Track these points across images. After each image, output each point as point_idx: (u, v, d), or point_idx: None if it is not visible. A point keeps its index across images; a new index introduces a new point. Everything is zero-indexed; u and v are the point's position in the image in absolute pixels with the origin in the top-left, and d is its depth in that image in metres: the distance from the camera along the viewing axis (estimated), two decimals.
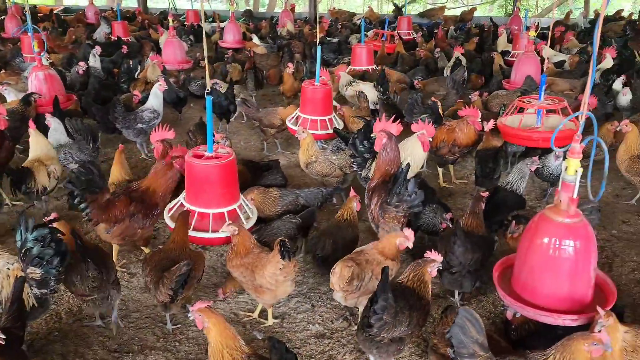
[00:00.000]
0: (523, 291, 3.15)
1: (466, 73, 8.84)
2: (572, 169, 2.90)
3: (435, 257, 3.21)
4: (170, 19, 10.21)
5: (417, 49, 11.05)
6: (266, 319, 3.74)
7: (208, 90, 3.93)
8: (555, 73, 9.16)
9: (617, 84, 7.51)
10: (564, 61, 9.90)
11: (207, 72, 4.02)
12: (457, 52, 9.25)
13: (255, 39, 11.61)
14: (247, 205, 4.32)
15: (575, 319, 2.92)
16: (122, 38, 11.67)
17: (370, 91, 7.42)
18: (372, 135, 4.96)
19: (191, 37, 14.26)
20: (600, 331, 2.62)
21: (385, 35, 11.41)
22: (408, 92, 8.64)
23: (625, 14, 14.85)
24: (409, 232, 3.54)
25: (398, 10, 15.29)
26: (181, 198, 4.21)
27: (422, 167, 6.11)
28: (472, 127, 5.38)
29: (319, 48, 6.63)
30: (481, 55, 10.45)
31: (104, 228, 3.97)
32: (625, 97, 7.25)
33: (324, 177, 5.34)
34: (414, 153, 5.07)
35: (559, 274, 2.98)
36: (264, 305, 3.69)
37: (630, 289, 4.17)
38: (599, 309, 2.69)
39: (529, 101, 5.58)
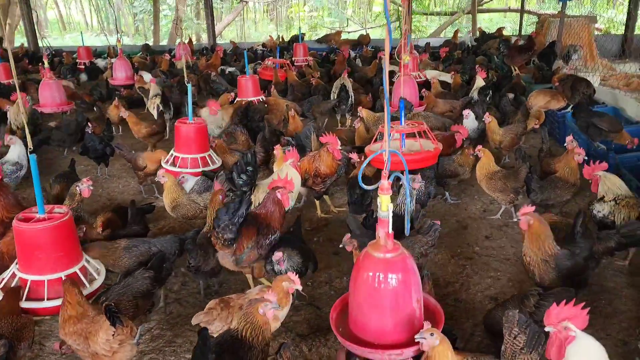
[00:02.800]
0: (355, 328, 3.14)
1: (351, 98, 9.04)
2: (384, 205, 2.94)
3: (269, 297, 3.13)
4: (44, 60, 9.72)
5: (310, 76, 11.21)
6: None
7: (30, 148, 3.68)
8: (439, 93, 9.56)
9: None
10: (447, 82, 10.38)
11: (26, 128, 3.74)
12: (344, 77, 9.45)
13: (146, 75, 11.32)
14: (92, 264, 4.08)
15: (399, 353, 2.94)
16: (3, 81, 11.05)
17: None
18: (248, 168, 4.97)
19: (82, 75, 13.81)
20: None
21: (278, 64, 11.48)
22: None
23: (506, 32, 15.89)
24: (295, 276, 3.50)
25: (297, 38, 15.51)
26: (13, 267, 3.89)
27: (300, 200, 6.12)
28: (332, 156, 5.44)
29: (189, 86, 6.51)
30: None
31: None
32: (467, 121, 7.27)
33: (190, 220, 5.19)
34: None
35: (382, 308, 2.99)
36: None
37: (484, 306, 4.30)
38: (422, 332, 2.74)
39: (392, 126, 5.74)
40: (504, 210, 5.81)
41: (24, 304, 3.60)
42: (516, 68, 10.73)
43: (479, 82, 8.92)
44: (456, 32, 15.78)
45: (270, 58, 12.38)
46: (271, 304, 3.06)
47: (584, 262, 3.85)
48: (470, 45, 14.86)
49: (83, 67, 14.17)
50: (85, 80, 13.63)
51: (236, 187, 4.99)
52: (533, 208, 3.87)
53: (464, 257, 5.08)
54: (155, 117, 8.40)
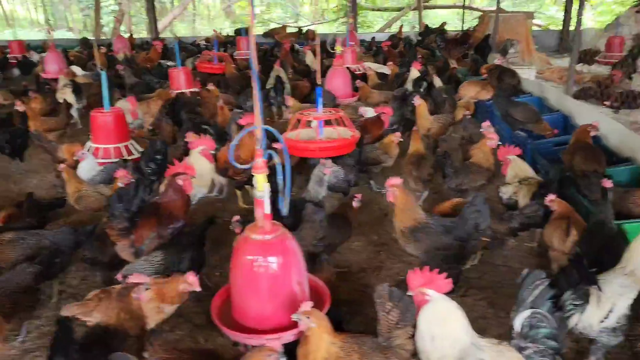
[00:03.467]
0: (237, 315, 3.04)
1: (287, 89, 8.92)
2: (259, 184, 2.84)
3: (138, 278, 2.97)
4: None
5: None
6: None
7: None
8: (376, 85, 9.57)
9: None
10: (384, 74, 10.40)
11: None
12: (276, 68, 9.30)
13: (77, 69, 10.90)
14: None
15: (277, 337, 2.84)
16: None
17: None
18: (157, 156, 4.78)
19: (15, 69, 13.24)
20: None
21: (216, 57, 11.26)
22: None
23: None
24: (193, 278, 3.25)
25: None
26: None
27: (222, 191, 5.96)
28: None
29: (103, 73, 6.25)
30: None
31: None
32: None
33: (98, 212, 4.96)
34: (199, 169, 4.89)
35: (261, 292, 2.89)
36: None
37: None
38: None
39: (309, 114, 5.66)
40: (425, 197, 5.82)
41: None
42: (454, 61, 10.86)
43: (414, 73, 8.95)
44: (400, 27, 15.90)
45: (206, 51, 12.15)
46: (144, 285, 2.91)
47: (453, 241, 3.79)
48: (415, 41, 15.00)
49: (15, 61, 13.54)
50: (17, 75, 13.06)
51: (144, 175, 4.79)
52: (401, 180, 3.85)
53: (380, 243, 5.04)
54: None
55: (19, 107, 7.14)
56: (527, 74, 9.17)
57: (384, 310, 2.74)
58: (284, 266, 2.89)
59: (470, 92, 8.31)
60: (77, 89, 8.49)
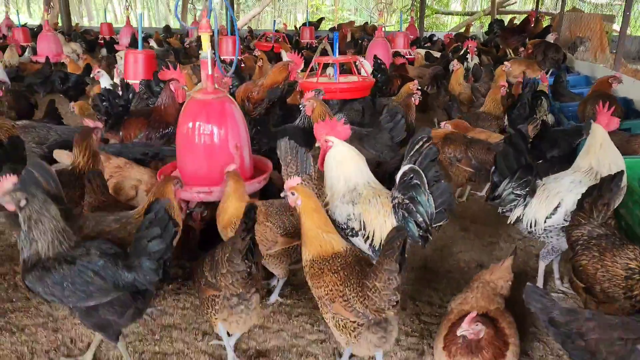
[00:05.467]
0: (182, 176, 3.16)
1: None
2: (204, 45, 2.97)
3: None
4: None
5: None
6: None
7: None
8: (421, 64, 9.57)
9: None
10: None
11: None
12: (324, 42, 9.57)
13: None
14: None
15: (207, 191, 2.94)
16: None
17: None
18: None
19: (103, 49, 14.45)
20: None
21: (274, 37, 11.70)
22: None
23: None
24: None
25: None
26: None
27: None
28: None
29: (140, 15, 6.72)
30: None
31: None
32: None
33: None
34: None
35: (197, 149, 3.01)
36: None
37: None
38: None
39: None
40: None
41: None
42: (510, 51, 10.49)
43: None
44: (468, 26, 15.64)
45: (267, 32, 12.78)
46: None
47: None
48: (482, 40, 14.67)
49: (103, 42, 14.81)
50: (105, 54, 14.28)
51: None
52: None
53: None
54: None
55: None
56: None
57: (285, 164, 2.82)
58: (220, 127, 2.98)
59: (516, 70, 8.01)
60: None
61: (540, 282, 3.08)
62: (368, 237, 2.55)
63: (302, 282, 2.64)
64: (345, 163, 2.63)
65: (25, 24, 14.32)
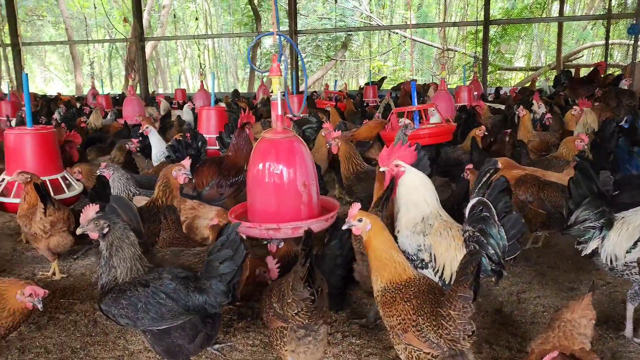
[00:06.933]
0: (250, 215, 3.23)
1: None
2: (274, 87, 3.10)
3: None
4: None
5: None
6: None
7: None
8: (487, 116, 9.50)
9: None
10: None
11: None
12: (387, 98, 9.73)
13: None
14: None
15: (275, 228, 2.97)
16: None
17: None
18: None
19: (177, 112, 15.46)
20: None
21: (335, 96, 12.06)
22: None
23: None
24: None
25: None
26: None
27: None
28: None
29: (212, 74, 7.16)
30: None
31: None
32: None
33: None
34: None
35: (266, 187, 3.07)
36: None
37: None
38: None
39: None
40: None
41: None
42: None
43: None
44: (533, 80, 15.43)
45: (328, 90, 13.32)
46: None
47: None
48: (548, 92, 14.43)
49: (176, 106, 15.86)
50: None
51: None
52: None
53: None
54: None
55: None
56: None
57: None
58: (289, 165, 3.04)
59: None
60: None
61: (629, 329, 2.83)
62: (438, 270, 2.47)
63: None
64: (419, 190, 2.58)
65: (109, 93, 15.84)
